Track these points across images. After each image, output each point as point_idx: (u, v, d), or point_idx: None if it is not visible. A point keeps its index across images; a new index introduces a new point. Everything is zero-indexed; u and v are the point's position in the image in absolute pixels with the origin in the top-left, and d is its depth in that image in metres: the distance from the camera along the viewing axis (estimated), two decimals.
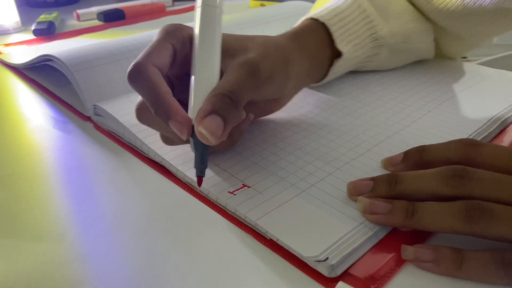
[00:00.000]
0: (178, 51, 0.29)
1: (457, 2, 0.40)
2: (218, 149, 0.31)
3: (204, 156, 0.27)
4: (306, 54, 0.36)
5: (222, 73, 0.29)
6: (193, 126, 0.26)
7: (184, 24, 0.31)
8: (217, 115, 0.25)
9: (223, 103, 0.26)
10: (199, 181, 0.27)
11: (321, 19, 0.39)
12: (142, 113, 0.29)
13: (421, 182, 0.25)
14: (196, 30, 0.29)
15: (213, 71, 0.28)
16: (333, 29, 0.39)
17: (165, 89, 0.27)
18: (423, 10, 0.45)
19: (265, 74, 0.29)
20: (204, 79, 0.28)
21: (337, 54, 0.40)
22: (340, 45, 0.39)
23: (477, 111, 0.38)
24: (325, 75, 0.40)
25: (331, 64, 0.40)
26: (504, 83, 0.44)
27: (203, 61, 0.28)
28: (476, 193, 0.23)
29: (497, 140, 0.35)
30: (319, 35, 0.38)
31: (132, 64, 0.28)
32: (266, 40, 0.32)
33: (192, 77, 0.28)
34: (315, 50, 0.38)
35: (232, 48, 0.30)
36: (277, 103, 0.35)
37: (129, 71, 0.27)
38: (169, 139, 0.31)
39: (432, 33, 0.46)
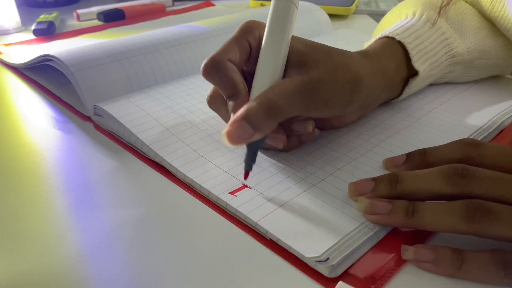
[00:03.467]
0: (254, 49, 0.30)
1: None
2: (274, 148, 0.32)
3: (254, 153, 0.28)
4: (382, 76, 0.35)
5: (284, 77, 0.29)
6: None
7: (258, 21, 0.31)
8: (248, 123, 0.26)
9: (259, 112, 0.26)
10: (246, 175, 0.28)
11: (398, 38, 0.37)
12: (213, 101, 0.31)
13: (422, 181, 0.25)
14: (267, 25, 0.29)
15: (274, 71, 0.28)
16: (410, 47, 0.37)
17: (243, 86, 0.28)
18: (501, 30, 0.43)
19: (321, 99, 0.29)
20: (263, 79, 0.28)
21: (412, 73, 0.38)
22: (417, 64, 0.37)
23: (477, 111, 0.38)
24: (400, 93, 0.39)
25: (406, 82, 0.38)
26: (503, 83, 0.44)
27: (266, 59, 0.28)
28: (477, 192, 0.23)
29: (497, 140, 0.35)
30: (396, 55, 0.37)
31: (208, 58, 0.29)
32: (338, 60, 0.30)
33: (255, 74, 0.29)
34: (393, 71, 0.36)
35: (302, 56, 0.29)
36: (339, 120, 0.35)
37: (204, 65, 0.29)
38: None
39: (510, 49, 0.44)
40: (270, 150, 0.32)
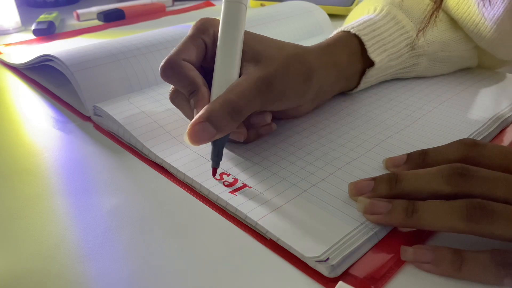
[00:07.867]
0: (209, 47, 0.31)
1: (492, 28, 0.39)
2: (233, 142, 0.33)
3: (220, 150, 0.28)
4: (335, 67, 0.36)
5: (241, 74, 0.30)
6: None
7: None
8: (211, 124, 0.27)
9: (222, 114, 0.27)
10: (214, 172, 0.29)
11: (353, 31, 0.39)
12: (175, 97, 0.31)
13: (422, 180, 0.25)
14: (220, 27, 0.30)
15: (231, 70, 0.29)
16: (365, 38, 0.39)
17: (201, 81, 0.29)
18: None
19: (277, 92, 0.30)
20: (222, 78, 0.29)
21: (370, 64, 0.40)
22: (373, 54, 0.39)
23: (477, 111, 0.38)
24: (358, 84, 0.40)
25: (363, 73, 0.40)
26: (503, 83, 0.44)
27: (222, 59, 0.29)
28: (476, 191, 0.23)
29: (497, 140, 0.35)
30: (351, 47, 0.39)
31: (164, 60, 0.30)
32: (291, 54, 0.32)
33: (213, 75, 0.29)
34: (346, 63, 0.37)
35: (257, 52, 0.30)
36: (295, 110, 0.36)
37: (161, 67, 0.30)
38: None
39: (471, 40, 0.45)
40: (270, 150, 0.32)
